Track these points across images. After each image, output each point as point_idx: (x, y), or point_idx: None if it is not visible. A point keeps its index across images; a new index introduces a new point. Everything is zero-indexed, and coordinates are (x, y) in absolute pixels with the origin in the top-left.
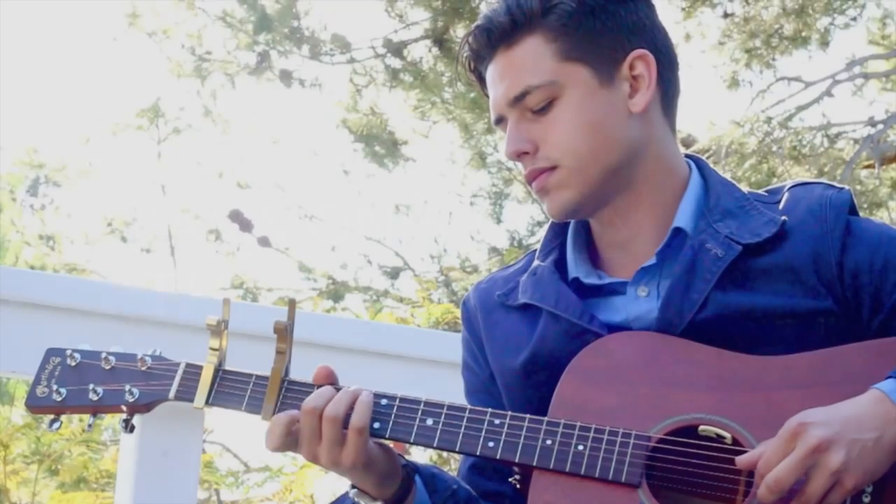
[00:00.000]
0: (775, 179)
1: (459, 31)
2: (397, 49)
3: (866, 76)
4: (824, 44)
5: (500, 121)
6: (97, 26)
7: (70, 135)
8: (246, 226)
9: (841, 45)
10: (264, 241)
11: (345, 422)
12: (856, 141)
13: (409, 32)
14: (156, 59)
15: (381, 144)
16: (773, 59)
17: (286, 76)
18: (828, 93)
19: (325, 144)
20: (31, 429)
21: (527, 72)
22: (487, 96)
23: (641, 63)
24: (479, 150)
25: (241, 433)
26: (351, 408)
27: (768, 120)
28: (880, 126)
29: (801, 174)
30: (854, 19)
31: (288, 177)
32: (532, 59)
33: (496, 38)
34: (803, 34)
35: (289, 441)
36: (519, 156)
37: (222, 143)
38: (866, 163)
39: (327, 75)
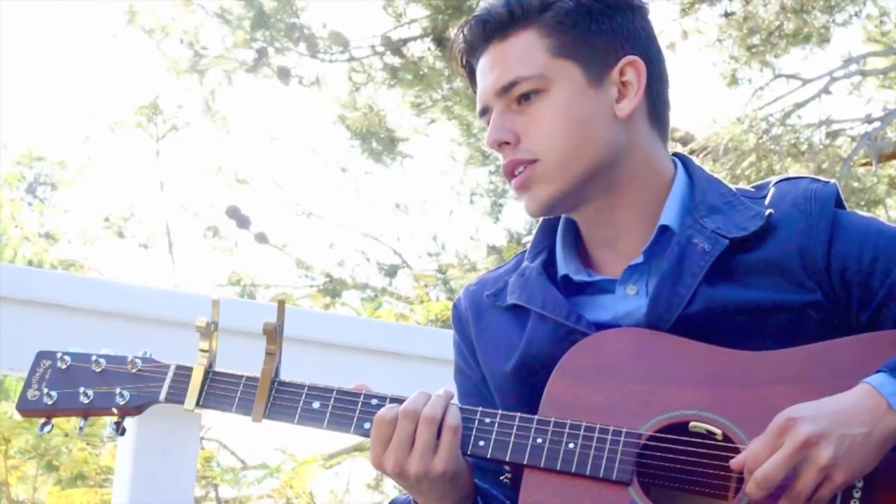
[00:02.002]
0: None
1: None
2: (396, 47)
3: (864, 73)
4: (824, 41)
5: (486, 111)
6: (95, 24)
7: (68, 132)
8: (243, 222)
9: (839, 42)
10: (262, 238)
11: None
12: (853, 138)
13: (407, 30)
14: (154, 56)
15: (379, 141)
16: (774, 57)
17: (284, 73)
18: (825, 90)
19: (322, 141)
20: (31, 424)
21: (517, 63)
22: (475, 91)
23: (632, 69)
24: (477, 148)
25: (238, 431)
26: (445, 410)
27: (766, 117)
28: (878, 123)
29: (800, 171)
30: (856, 15)
31: (285, 173)
32: (524, 51)
33: (491, 29)
34: (804, 31)
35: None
36: (500, 145)
37: (220, 140)
38: (864, 160)
39: (325, 73)
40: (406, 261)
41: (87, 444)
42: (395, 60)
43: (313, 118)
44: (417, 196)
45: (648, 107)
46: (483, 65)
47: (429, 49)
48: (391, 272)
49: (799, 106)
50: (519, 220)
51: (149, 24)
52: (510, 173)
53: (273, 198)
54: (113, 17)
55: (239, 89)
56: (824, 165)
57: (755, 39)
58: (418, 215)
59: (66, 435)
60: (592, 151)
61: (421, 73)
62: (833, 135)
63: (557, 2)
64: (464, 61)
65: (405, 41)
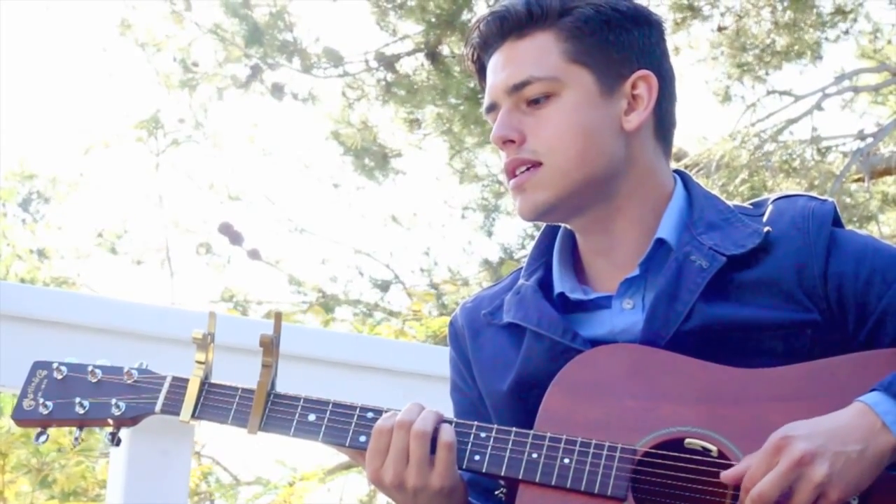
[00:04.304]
0: (766, 193)
1: (452, 44)
2: (389, 62)
3: (856, 90)
4: (816, 57)
5: (493, 108)
6: (89, 40)
7: (61, 148)
8: (236, 238)
9: (831, 58)
10: (254, 254)
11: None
12: (845, 154)
13: (401, 45)
14: (147, 72)
15: (371, 157)
16: (766, 74)
17: (278, 89)
18: (818, 106)
19: (315, 157)
20: (28, 438)
21: (532, 63)
22: (483, 88)
23: (644, 84)
24: (469, 164)
25: (231, 449)
26: (437, 425)
27: (759, 133)
28: (870, 139)
29: (792, 188)
30: (846, 32)
31: (278, 190)
32: (539, 52)
33: (509, 27)
34: (796, 48)
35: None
36: (504, 143)
37: (213, 156)
38: (856, 176)
39: (319, 88)
40: (399, 276)
41: (85, 457)
42: (389, 76)
43: (306, 134)
44: (410, 211)
45: (655, 122)
46: (496, 61)
47: (422, 65)
48: (384, 287)
49: (791, 122)
50: (512, 234)
51: (142, 41)
52: (511, 172)
53: (266, 214)
54: (106, 33)
55: (232, 105)
56: (816, 182)
57: (748, 56)
58: (411, 231)
59: (60, 450)
60: (595, 161)
61: (415, 87)
62: (825, 151)
63: (577, 8)
64: (475, 56)
65: (398, 56)
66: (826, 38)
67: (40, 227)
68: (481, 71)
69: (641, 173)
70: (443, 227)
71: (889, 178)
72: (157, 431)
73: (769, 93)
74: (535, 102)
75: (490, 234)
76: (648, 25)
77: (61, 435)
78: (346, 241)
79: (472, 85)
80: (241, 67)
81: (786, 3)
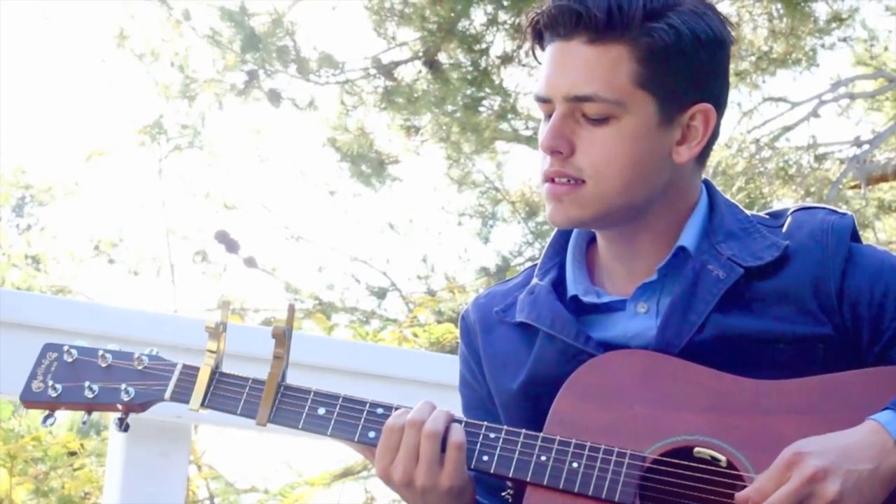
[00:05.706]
0: (762, 201)
1: (450, 52)
2: (387, 70)
3: (852, 96)
4: (813, 65)
5: (546, 101)
6: (87, 49)
7: (57, 155)
8: (232, 246)
9: (827, 65)
10: (251, 262)
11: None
12: (842, 161)
13: (399, 53)
14: (144, 79)
15: (368, 164)
16: (763, 81)
17: (275, 96)
18: (814, 113)
19: (311, 164)
20: (39, 441)
21: (600, 79)
22: (531, 49)
23: (701, 117)
24: (466, 171)
25: (227, 456)
26: (448, 425)
27: (755, 140)
28: (866, 146)
29: (788, 195)
30: (845, 40)
31: (274, 197)
32: (609, 69)
33: (584, 25)
34: (793, 55)
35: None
36: (552, 152)
37: (209, 164)
38: (853, 183)
39: (316, 95)
40: (395, 283)
41: (91, 462)
42: (387, 83)
43: (302, 141)
44: (406, 218)
45: (701, 150)
46: (562, 53)
47: (420, 72)
48: (381, 294)
49: (787, 129)
50: (509, 241)
51: (138, 47)
52: (549, 179)
53: (262, 222)
54: (102, 40)
55: (229, 112)
56: (813, 189)
57: (744, 63)
58: (407, 238)
59: (56, 461)
60: (638, 190)
61: (413, 95)
62: (821, 158)
63: (660, 28)
64: (536, 23)
65: (396, 64)
66: (822, 45)
67: (34, 233)
68: (538, 37)
69: (675, 194)
70: (439, 234)
71: (885, 185)
72: (154, 433)
73: (765, 100)
74: (593, 121)
75: (487, 241)
76: (720, 46)
77: (70, 439)
78: (343, 248)
79: (469, 92)
80: (238, 74)
81: (782, 11)
